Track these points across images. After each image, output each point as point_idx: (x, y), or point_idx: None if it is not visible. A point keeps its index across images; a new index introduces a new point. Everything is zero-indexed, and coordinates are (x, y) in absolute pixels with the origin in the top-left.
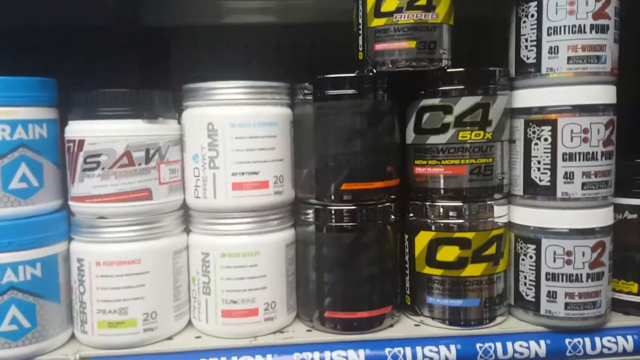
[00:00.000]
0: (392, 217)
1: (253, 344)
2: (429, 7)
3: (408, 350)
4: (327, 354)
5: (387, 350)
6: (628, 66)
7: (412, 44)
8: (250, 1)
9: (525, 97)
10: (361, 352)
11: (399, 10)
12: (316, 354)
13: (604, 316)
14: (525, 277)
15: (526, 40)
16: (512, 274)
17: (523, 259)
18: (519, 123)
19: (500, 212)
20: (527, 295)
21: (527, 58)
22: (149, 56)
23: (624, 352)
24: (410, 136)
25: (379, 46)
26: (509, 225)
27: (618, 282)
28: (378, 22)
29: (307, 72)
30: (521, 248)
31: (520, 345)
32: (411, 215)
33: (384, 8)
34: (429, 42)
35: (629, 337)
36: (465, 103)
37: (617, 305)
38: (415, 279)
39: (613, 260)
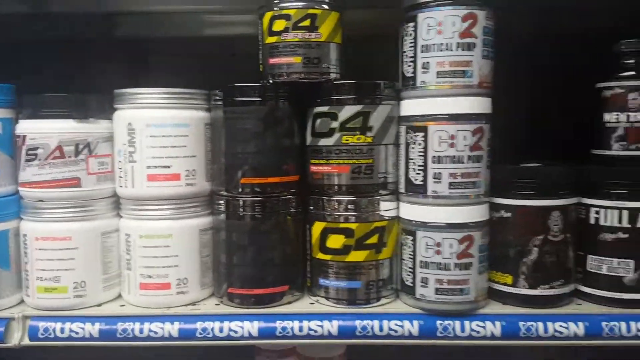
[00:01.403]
0: (293, 209)
1: (165, 313)
2: (312, 28)
3: (296, 323)
4: (226, 324)
5: (278, 322)
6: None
7: (298, 59)
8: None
9: (406, 106)
10: (255, 323)
11: (286, 30)
12: (217, 324)
13: (473, 302)
14: (406, 265)
15: (406, 56)
16: (398, 261)
17: (404, 249)
18: (402, 129)
19: (387, 207)
20: (406, 280)
21: (407, 72)
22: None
23: (492, 337)
24: (309, 139)
25: (272, 60)
26: (397, 218)
27: (496, 274)
28: (271, 40)
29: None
30: (403, 239)
31: (396, 324)
32: (311, 207)
33: (274, 28)
34: (312, 58)
35: (497, 323)
36: (348, 111)
37: (496, 295)
38: (312, 263)
39: (491, 254)
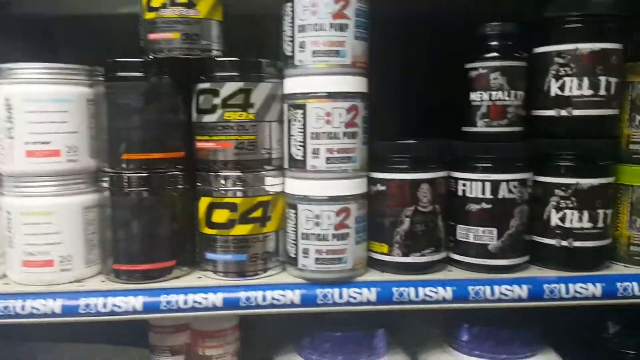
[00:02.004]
0: (180, 185)
1: (49, 290)
2: (190, 5)
3: (181, 297)
4: (109, 299)
5: (162, 297)
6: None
7: (177, 36)
8: None
9: (287, 85)
10: (140, 298)
11: (164, 6)
12: (100, 300)
13: (351, 271)
14: (289, 237)
15: (286, 36)
16: (284, 235)
17: (288, 222)
18: (285, 107)
19: (271, 182)
20: (290, 252)
21: (287, 51)
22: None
23: (368, 302)
24: (194, 115)
25: (151, 36)
26: (283, 193)
27: (375, 244)
28: (150, 15)
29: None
30: (288, 212)
31: (279, 294)
32: (198, 183)
33: (153, 4)
34: (191, 34)
35: (373, 290)
36: (229, 88)
37: (375, 264)
38: (200, 238)
39: (370, 225)
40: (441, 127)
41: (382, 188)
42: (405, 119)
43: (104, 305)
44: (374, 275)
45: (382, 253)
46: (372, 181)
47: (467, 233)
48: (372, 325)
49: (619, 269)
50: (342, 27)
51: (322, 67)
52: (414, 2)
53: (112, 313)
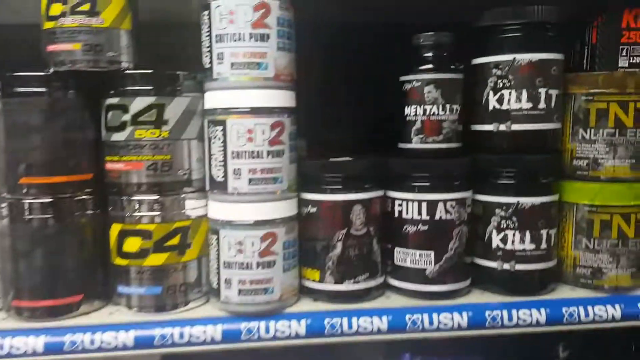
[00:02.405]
0: (89, 210)
1: None
2: (93, 13)
3: (88, 336)
4: (7, 340)
5: (67, 336)
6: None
7: (77, 46)
8: None
9: (207, 99)
10: (41, 338)
11: (63, 14)
12: None
13: (279, 302)
14: (212, 266)
15: (204, 46)
16: (208, 263)
17: (211, 249)
18: (206, 123)
19: (192, 205)
20: (213, 282)
21: (205, 63)
22: None
23: (297, 336)
24: (103, 133)
25: (50, 47)
26: (206, 217)
27: (307, 270)
28: (49, 25)
29: None
30: (210, 239)
31: (198, 330)
32: (110, 208)
33: (52, 12)
34: (94, 45)
35: (303, 322)
36: (140, 103)
37: (308, 292)
38: (111, 269)
39: (301, 249)
40: (381, 143)
41: (313, 210)
42: (341, 134)
43: (1, 347)
44: (305, 305)
45: (314, 280)
46: (303, 202)
47: (404, 257)
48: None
49: (565, 292)
50: (263, 37)
51: (242, 80)
52: (348, 11)
53: (9, 355)
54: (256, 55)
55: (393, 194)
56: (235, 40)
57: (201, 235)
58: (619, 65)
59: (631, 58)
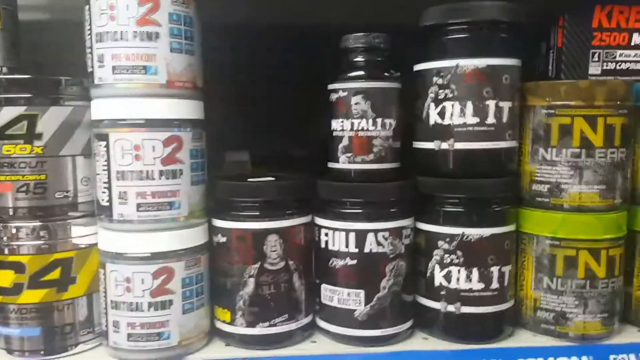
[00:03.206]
0: None
1: None
2: None
3: None
4: None
5: None
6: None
7: None
8: None
9: (91, 109)
10: None
11: None
12: None
13: (177, 348)
14: (101, 305)
15: (86, 47)
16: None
17: (100, 285)
18: (92, 137)
19: (79, 232)
20: (102, 324)
21: (88, 66)
22: None
23: None
24: None
25: None
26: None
27: (218, 310)
28: None
29: None
30: (99, 273)
31: None
32: None
33: None
34: None
35: None
36: (7, 114)
37: (220, 335)
38: None
39: (213, 285)
40: (314, 162)
41: (223, 240)
42: (263, 151)
43: None
44: (213, 351)
45: (225, 322)
46: (213, 230)
47: (331, 295)
48: None
49: (523, 339)
50: (150, 36)
51: (126, 87)
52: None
53: None
54: (142, 57)
55: (319, 221)
56: (116, 40)
57: (92, 268)
58: (590, 72)
59: (605, 64)
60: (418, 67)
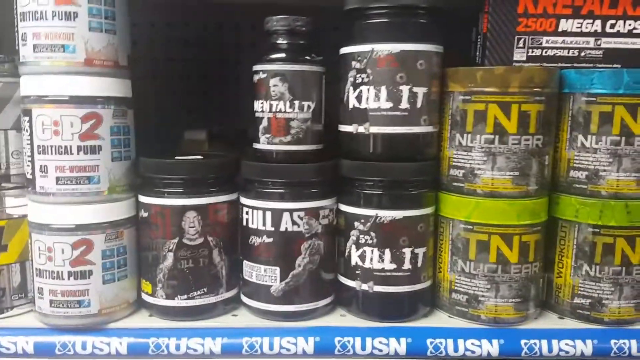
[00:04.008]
0: None
1: None
2: None
3: None
4: None
5: None
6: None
7: None
8: None
9: (21, 85)
10: None
11: None
12: None
13: (97, 316)
14: (31, 272)
15: (13, 25)
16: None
17: (29, 253)
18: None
19: (12, 203)
20: (31, 290)
21: (16, 44)
22: None
23: (118, 354)
24: None
25: None
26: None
27: (143, 282)
28: None
29: None
30: (29, 242)
31: (8, 341)
32: None
33: None
34: None
35: (124, 340)
36: None
37: (145, 306)
38: None
39: (140, 258)
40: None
41: (145, 215)
42: (223, 130)
43: None
44: (134, 321)
45: (148, 294)
46: (139, 206)
47: (250, 272)
48: None
49: (438, 319)
50: (68, 15)
51: (46, 65)
52: None
53: None
54: (60, 36)
55: (242, 199)
56: (37, 19)
57: (24, 237)
58: (515, 59)
59: (530, 50)
60: (342, 50)
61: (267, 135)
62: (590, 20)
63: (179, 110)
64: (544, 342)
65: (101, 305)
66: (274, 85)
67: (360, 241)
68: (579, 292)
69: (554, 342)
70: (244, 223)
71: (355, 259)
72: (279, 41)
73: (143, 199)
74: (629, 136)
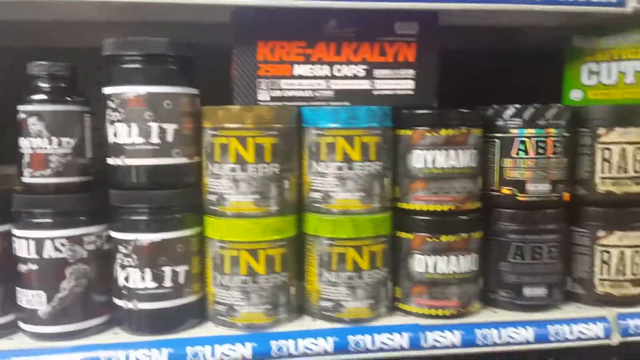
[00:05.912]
0: None
1: None
2: None
3: None
4: None
5: None
6: None
7: None
8: None
9: None
10: None
11: None
12: None
13: None
14: None
15: None
16: None
17: None
18: None
19: None
20: None
21: None
22: None
23: None
24: None
25: None
26: None
27: None
28: None
29: None
30: None
31: None
32: None
33: None
34: None
35: None
36: None
37: None
38: None
39: None
40: None
41: None
42: None
43: None
44: None
45: None
46: None
47: (21, 297)
48: None
49: (204, 330)
50: None
51: None
52: None
53: None
54: None
55: (14, 230)
56: None
57: None
58: (259, 99)
59: (272, 91)
60: (102, 90)
61: (29, 170)
62: (320, 66)
63: None
64: (291, 342)
65: None
66: (33, 124)
67: (124, 263)
68: (323, 296)
69: (300, 341)
70: (15, 252)
71: (121, 280)
72: (38, 84)
73: None
74: (349, 162)
